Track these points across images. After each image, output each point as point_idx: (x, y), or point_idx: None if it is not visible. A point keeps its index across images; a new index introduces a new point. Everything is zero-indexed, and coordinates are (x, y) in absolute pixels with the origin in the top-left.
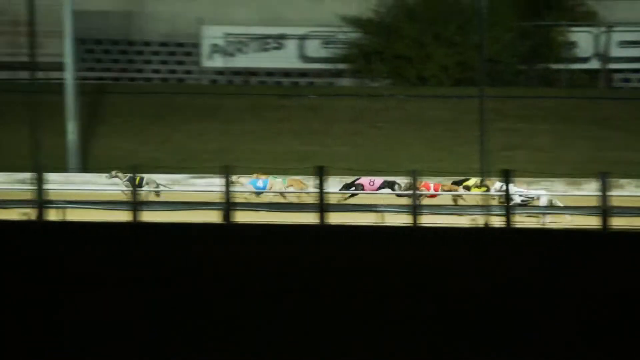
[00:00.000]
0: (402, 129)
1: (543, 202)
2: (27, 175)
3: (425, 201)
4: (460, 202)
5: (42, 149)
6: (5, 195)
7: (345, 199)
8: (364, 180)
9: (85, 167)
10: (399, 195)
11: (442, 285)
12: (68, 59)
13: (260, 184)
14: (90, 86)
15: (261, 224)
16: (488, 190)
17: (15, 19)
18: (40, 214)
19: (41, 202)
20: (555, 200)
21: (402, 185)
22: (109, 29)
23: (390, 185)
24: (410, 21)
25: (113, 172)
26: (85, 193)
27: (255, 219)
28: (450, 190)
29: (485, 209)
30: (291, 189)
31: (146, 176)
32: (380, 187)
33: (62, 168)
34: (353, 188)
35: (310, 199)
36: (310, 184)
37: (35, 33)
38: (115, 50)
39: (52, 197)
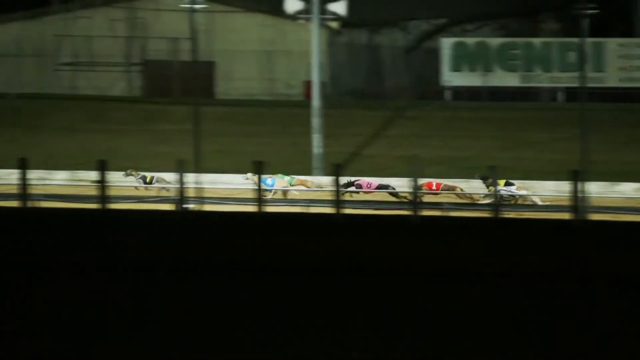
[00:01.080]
0: None
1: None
2: None
3: (428, 198)
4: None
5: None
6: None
7: (342, 194)
8: (363, 182)
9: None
10: (392, 194)
11: None
12: None
13: (269, 181)
14: None
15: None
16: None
17: None
18: None
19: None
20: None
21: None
22: None
23: (385, 187)
24: None
25: (128, 171)
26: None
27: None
28: (449, 189)
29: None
30: (297, 187)
31: (156, 175)
32: (377, 189)
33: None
34: (352, 187)
35: (314, 196)
36: (315, 183)
37: None
38: None
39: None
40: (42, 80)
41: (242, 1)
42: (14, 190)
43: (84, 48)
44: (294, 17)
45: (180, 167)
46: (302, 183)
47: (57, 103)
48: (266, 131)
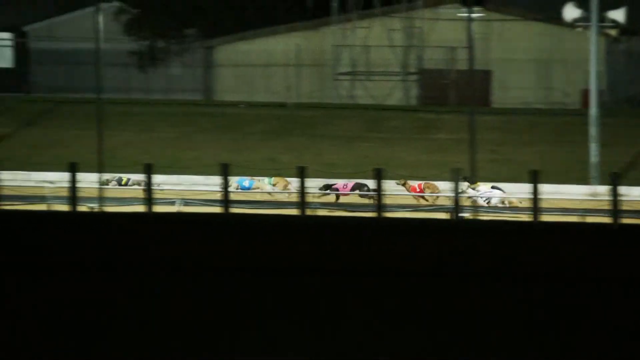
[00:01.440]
0: None
1: (494, 202)
2: None
3: (410, 200)
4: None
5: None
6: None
7: (319, 197)
8: (340, 184)
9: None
10: (361, 196)
11: None
12: None
13: (246, 183)
14: None
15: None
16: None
17: None
18: None
19: None
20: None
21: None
22: None
23: (360, 187)
24: None
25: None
26: None
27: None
28: (430, 190)
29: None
30: (276, 188)
31: (132, 177)
32: (352, 189)
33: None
34: (328, 190)
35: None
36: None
37: None
38: None
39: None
40: (321, 90)
41: (519, 9)
42: (294, 198)
43: (362, 58)
44: (571, 25)
45: (456, 176)
46: (281, 181)
47: (335, 112)
48: (542, 140)
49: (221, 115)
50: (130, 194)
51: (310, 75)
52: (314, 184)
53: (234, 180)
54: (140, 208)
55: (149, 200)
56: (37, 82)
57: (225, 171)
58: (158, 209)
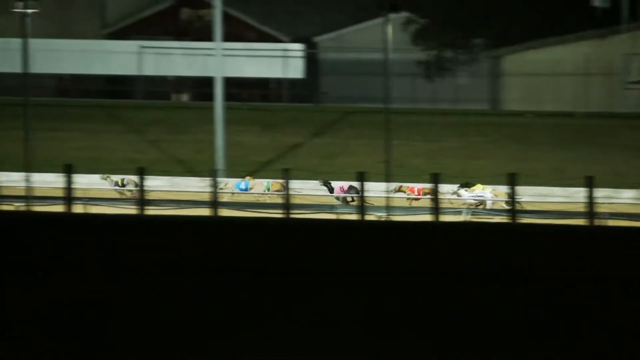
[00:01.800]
0: None
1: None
2: None
3: (410, 203)
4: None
5: None
6: None
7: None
8: (337, 187)
9: None
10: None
11: None
12: None
13: (242, 185)
14: None
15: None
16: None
17: None
18: None
19: None
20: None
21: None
22: None
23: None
24: None
25: (102, 175)
26: None
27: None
28: (428, 194)
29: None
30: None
31: (127, 177)
32: (347, 191)
33: None
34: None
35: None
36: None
37: None
38: None
39: None
40: (610, 99)
41: None
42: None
43: None
44: None
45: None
46: (277, 185)
47: (625, 122)
48: None
49: (508, 125)
50: (419, 204)
51: (599, 85)
52: (601, 194)
53: (232, 183)
54: (427, 217)
55: (435, 209)
56: (326, 92)
57: (512, 181)
58: (445, 218)
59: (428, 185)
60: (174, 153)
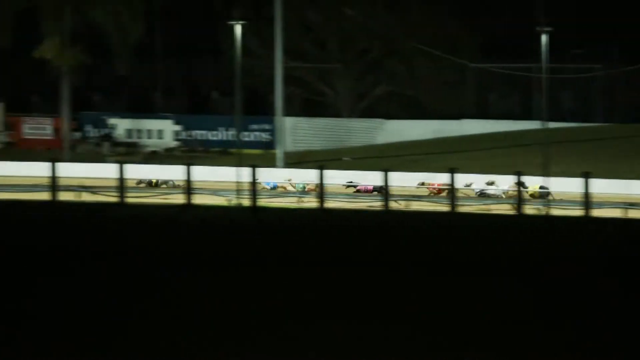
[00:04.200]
0: None
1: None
2: None
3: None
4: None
5: None
6: None
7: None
8: (361, 186)
9: None
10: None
11: None
12: None
13: (271, 184)
14: None
15: None
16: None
17: None
18: None
19: None
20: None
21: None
22: None
23: (379, 189)
24: None
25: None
26: None
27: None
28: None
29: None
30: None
31: (160, 179)
32: (373, 191)
33: None
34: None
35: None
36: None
37: None
38: None
39: None
40: None
41: None
42: None
43: None
44: None
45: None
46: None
47: None
48: None
49: None
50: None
51: None
52: None
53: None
54: None
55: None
56: None
57: None
58: None
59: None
60: None
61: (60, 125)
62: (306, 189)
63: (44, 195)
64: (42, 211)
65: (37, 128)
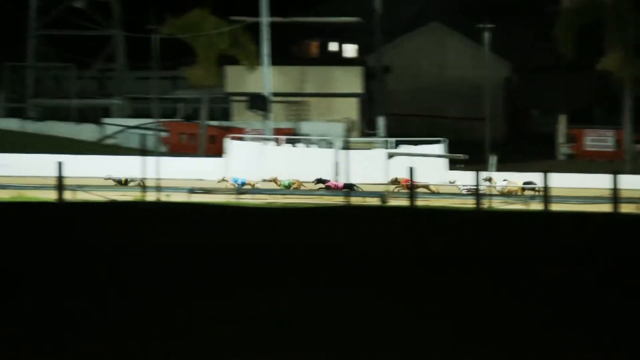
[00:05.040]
0: None
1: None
2: None
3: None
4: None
5: None
6: None
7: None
8: (332, 182)
9: None
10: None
11: None
12: None
13: (239, 181)
14: None
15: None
16: None
17: None
18: None
19: None
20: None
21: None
22: None
23: (350, 186)
24: None
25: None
26: None
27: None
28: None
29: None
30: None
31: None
32: (343, 188)
33: None
34: (322, 185)
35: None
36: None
37: None
38: None
39: None
40: None
41: None
42: None
43: None
44: None
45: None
46: (297, 182)
47: None
48: None
49: None
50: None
51: None
52: None
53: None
54: None
55: None
56: None
57: None
58: None
59: None
60: None
61: (622, 137)
62: (291, 187)
63: (605, 207)
64: None
65: (598, 140)
